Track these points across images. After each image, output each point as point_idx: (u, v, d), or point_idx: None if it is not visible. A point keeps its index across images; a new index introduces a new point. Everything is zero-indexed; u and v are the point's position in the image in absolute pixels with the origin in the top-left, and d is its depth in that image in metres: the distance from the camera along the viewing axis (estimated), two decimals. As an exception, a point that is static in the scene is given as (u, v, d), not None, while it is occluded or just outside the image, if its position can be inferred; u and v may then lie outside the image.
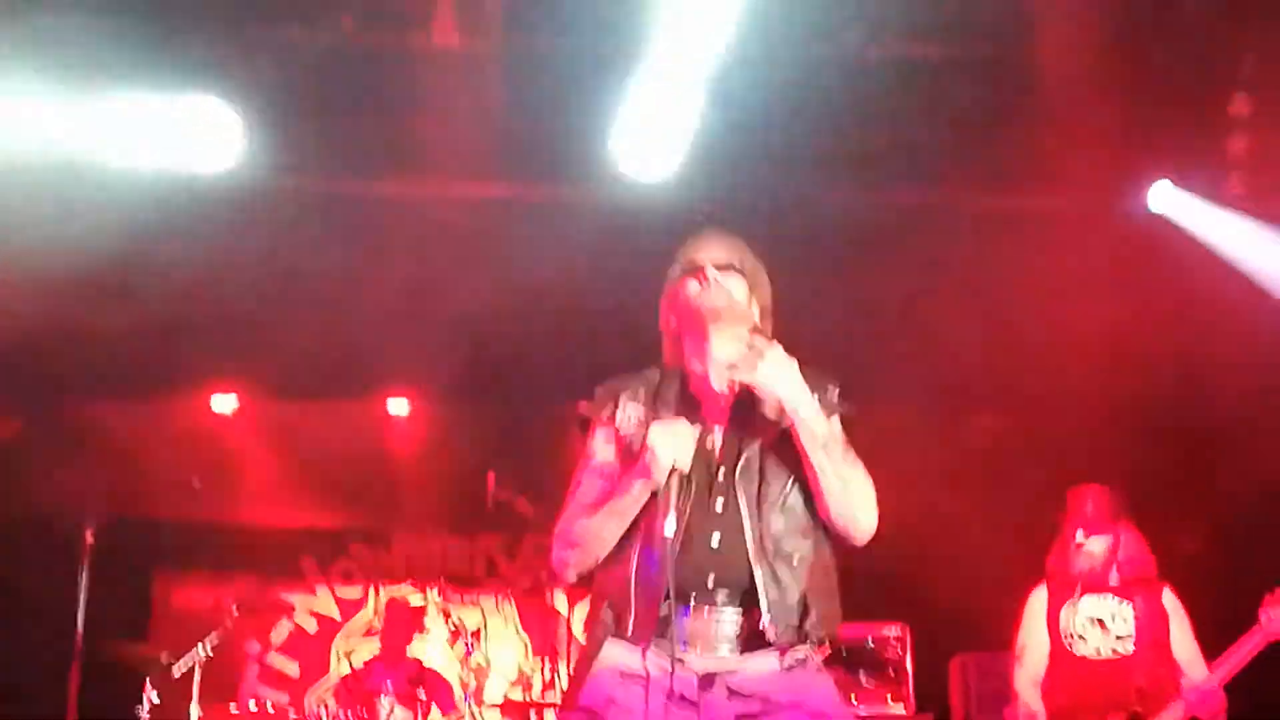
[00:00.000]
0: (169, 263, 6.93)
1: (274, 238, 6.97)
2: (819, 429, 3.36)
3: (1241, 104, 6.68)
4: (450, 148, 6.68)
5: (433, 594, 7.76)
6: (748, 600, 3.33)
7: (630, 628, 3.31)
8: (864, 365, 7.79)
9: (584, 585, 3.56)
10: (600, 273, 6.81)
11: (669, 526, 3.27)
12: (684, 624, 3.30)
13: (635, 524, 3.37)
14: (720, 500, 3.38)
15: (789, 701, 3.30)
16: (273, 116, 6.48)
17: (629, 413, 3.50)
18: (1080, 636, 5.55)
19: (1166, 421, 7.81)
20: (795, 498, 3.41)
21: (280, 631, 9.54)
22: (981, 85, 6.47)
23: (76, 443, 8.30)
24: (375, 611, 9.55)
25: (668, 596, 3.27)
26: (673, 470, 3.31)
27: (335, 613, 9.66)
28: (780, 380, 3.32)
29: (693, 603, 3.32)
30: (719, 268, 3.50)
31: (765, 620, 3.29)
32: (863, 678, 7.19)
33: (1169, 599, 5.61)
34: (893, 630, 7.28)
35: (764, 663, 3.33)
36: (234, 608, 7.22)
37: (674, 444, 3.31)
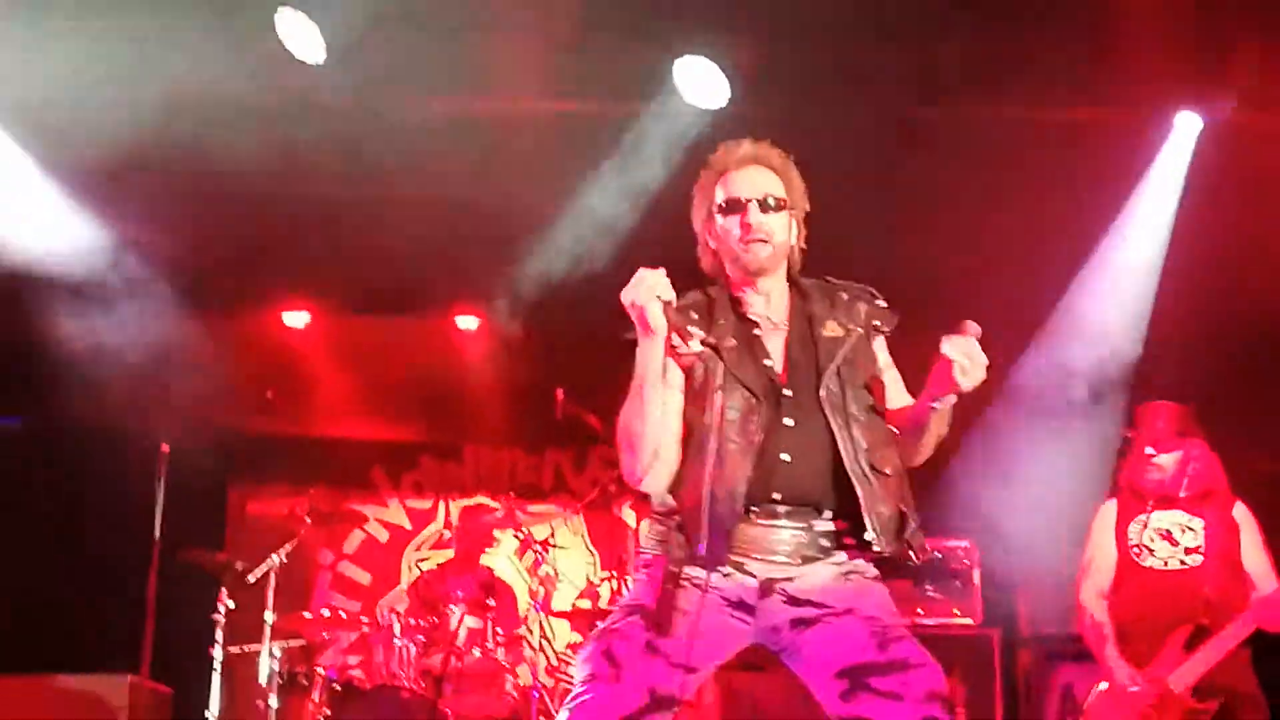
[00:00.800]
0: (243, 178, 6.96)
1: (348, 154, 6.98)
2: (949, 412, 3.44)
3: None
4: (522, 66, 6.66)
5: (501, 505, 7.81)
6: (813, 514, 3.42)
7: (702, 548, 3.33)
8: (927, 282, 7.81)
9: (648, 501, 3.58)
10: (669, 194, 6.78)
11: (734, 455, 3.35)
12: (746, 532, 3.38)
13: (703, 453, 3.36)
14: (790, 418, 3.42)
15: (844, 608, 3.39)
16: (349, 30, 6.47)
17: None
18: (1149, 549, 5.56)
19: (1240, 339, 7.71)
20: (874, 413, 3.49)
21: (352, 541, 9.68)
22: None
23: (154, 356, 8.41)
24: (446, 523, 9.67)
25: (740, 511, 3.36)
26: (737, 391, 3.40)
27: (406, 523, 9.78)
28: (977, 378, 3.32)
29: (755, 514, 3.39)
30: (762, 207, 3.50)
31: (871, 534, 3.38)
32: (929, 589, 7.22)
33: (1240, 512, 5.61)
34: (960, 544, 7.29)
35: (823, 571, 3.43)
36: (306, 517, 7.31)
37: (644, 288, 3.36)
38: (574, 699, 3.35)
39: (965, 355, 3.26)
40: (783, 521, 3.41)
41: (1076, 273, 7.73)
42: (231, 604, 7.04)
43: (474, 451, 9.91)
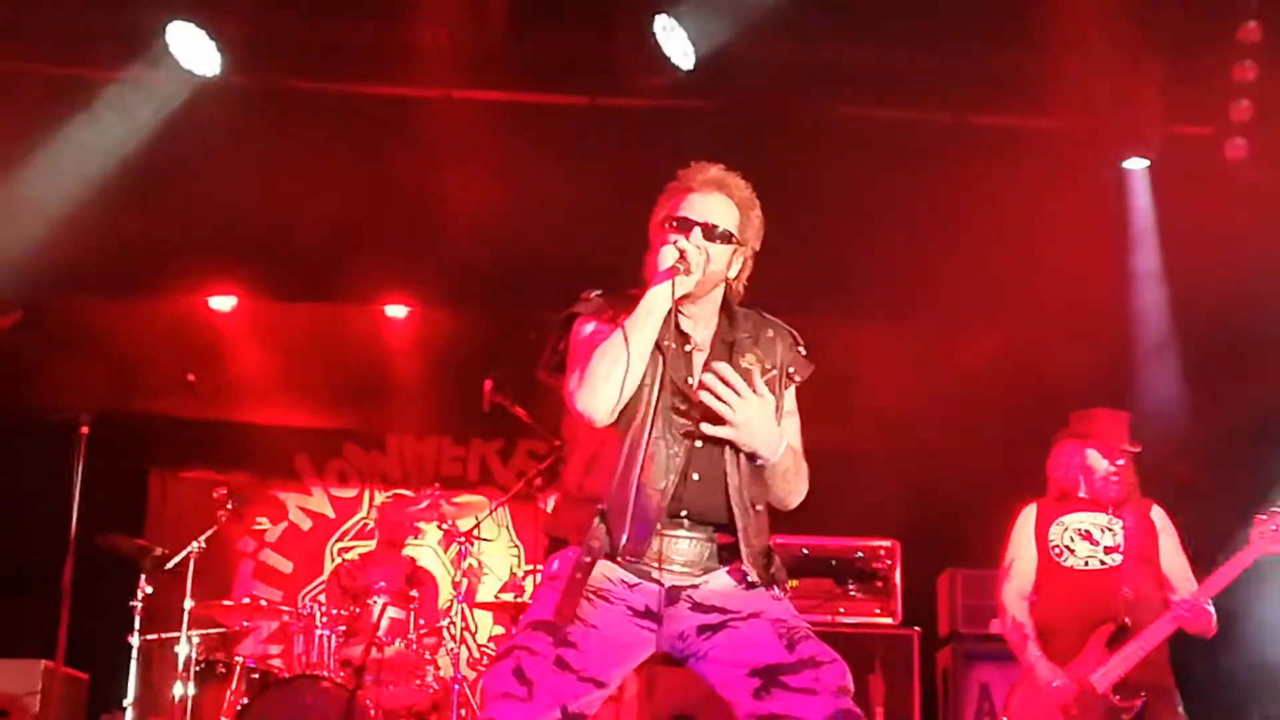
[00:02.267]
0: (171, 162, 6.91)
1: (275, 140, 6.94)
2: (782, 463, 3.58)
3: (1251, 32, 6.66)
4: (449, 51, 6.66)
5: (427, 495, 7.78)
6: (713, 531, 3.56)
7: (623, 544, 3.42)
8: (860, 283, 7.89)
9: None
10: (603, 181, 6.79)
11: (660, 459, 3.47)
12: (653, 543, 3.49)
13: (635, 443, 3.44)
14: (700, 440, 3.52)
15: (748, 612, 3.52)
16: (263, 18, 6.48)
17: (615, 324, 3.53)
18: (1069, 549, 5.63)
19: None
20: None
21: (274, 530, 9.61)
22: (993, 5, 6.45)
23: (75, 338, 8.31)
24: (369, 512, 9.62)
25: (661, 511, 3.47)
26: (671, 392, 3.50)
27: (330, 511, 9.73)
28: (758, 433, 3.48)
29: (663, 527, 3.50)
30: (708, 234, 3.56)
31: (746, 564, 3.53)
32: (851, 589, 7.27)
33: (1157, 514, 5.70)
34: (882, 544, 7.35)
35: (725, 580, 3.57)
36: (228, 503, 7.25)
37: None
38: (486, 718, 3.37)
39: (718, 402, 3.43)
40: (685, 533, 3.54)
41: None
42: (150, 590, 6.97)
43: (399, 441, 9.87)
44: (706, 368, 3.55)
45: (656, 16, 6.55)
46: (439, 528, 7.86)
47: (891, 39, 6.66)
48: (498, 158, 7.07)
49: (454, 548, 7.71)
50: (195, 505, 7.40)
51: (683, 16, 6.51)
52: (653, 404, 3.48)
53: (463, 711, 6.95)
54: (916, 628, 7.29)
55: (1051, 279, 7.58)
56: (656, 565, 3.50)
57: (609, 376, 3.42)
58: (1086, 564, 5.60)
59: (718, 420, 3.47)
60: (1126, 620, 5.42)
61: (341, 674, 6.85)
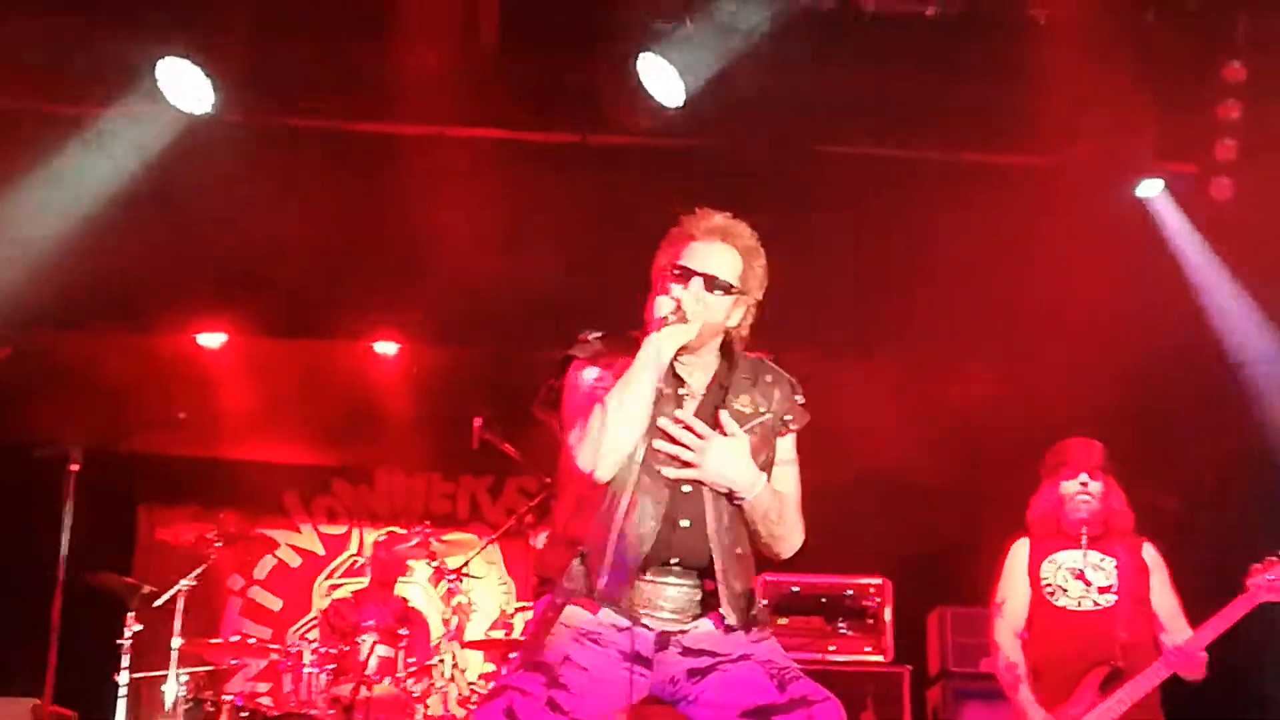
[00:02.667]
0: (160, 199, 6.93)
1: (263, 177, 6.97)
2: (761, 504, 3.59)
3: (1236, 71, 6.72)
4: (440, 88, 6.69)
5: (416, 534, 7.78)
6: (698, 576, 3.58)
7: (601, 586, 3.47)
8: (848, 320, 7.92)
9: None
10: (595, 218, 6.83)
11: (646, 505, 3.50)
12: (643, 589, 3.53)
13: (619, 490, 3.49)
14: (687, 485, 3.55)
15: (738, 654, 3.55)
16: (254, 58, 6.51)
17: (613, 369, 3.57)
18: (1061, 588, 5.55)
19: (1151, 384, 7.85)
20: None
21: (263, 566, 9.59)
22: (982, 43, 6.50)
23: (64, 375, 8.30)
24: (359, 549, 9.60)
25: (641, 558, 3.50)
26: (660, 437, 3.51)
27: (319, 549, 9.70)
28: (727, 471, 3.53)
29: (651, 573, 3.54)
30: (708, 285, 3.57)
31: (724, 607, 3.55)
32: (842, 627, 7.26)
33: (1149, 553, 5.61)
34: (873, 581, 7.35)
35: (710, 626, 3.59)
36: (216, 542, 7.24)
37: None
38: None
39: (676, 447, 3.49)
40: (674, 580, 3.57)
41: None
42: (138, 628, 6.95)
43: (388, 478, 9.86)
44: (699, 411, 3.59)
45: (642, 54, 6.58)
46: (429, 565, 7.85)
47: (882, 76, 6.70)
48: (489, 195, 7.09)
49: (443, 585, 7.70)
50: (184, 543, 7.36)
51: (671, 54, 6.55)
52: (640, 451, 3.50)
53: (452, 750, 6.94)
54: (907, 666, 7.27)
55: (1042, 316, 7.61)
56: (644, 611, 3.53)
57: (611, 436, 3.43)
58: (1080, 604, 5.52)
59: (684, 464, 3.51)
60: (1120, 664, 5.34)
61: (330, 712, 6.83)
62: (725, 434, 3.53)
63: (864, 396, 8.34)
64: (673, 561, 3.54)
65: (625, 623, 3.52)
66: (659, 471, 3.53)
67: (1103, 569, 5.55)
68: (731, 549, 3.58)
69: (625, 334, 3.64)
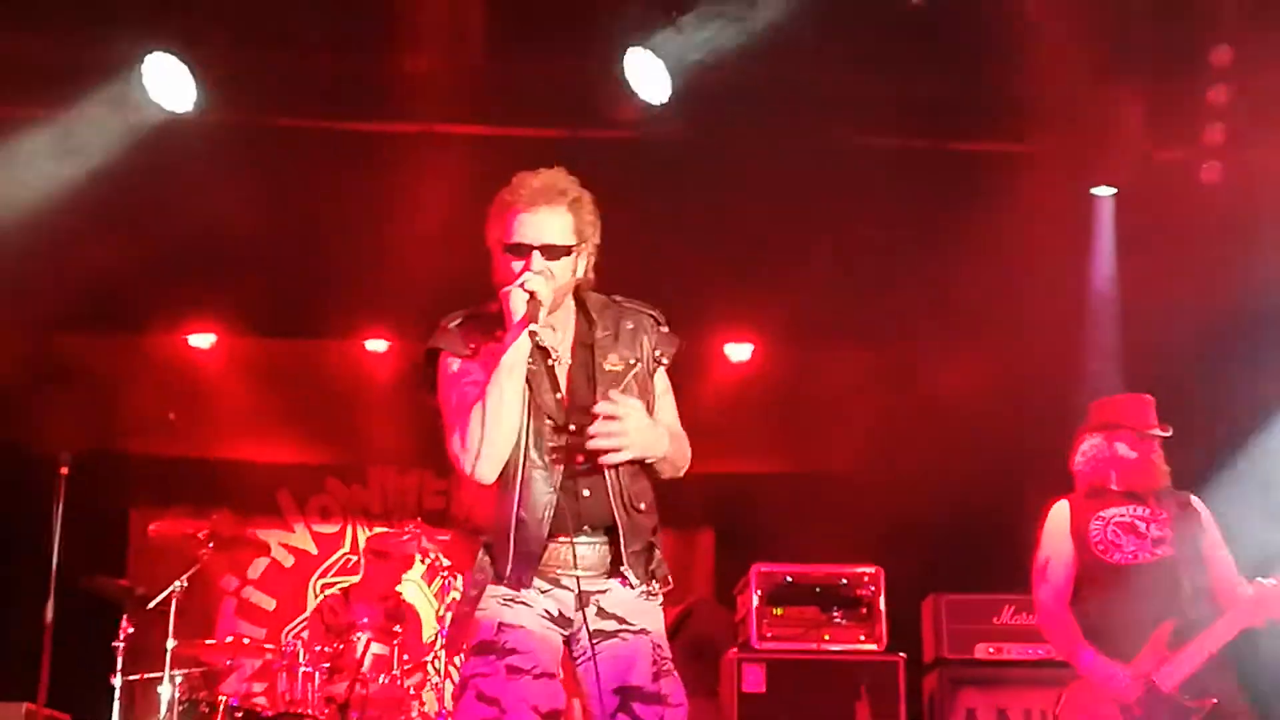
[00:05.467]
0: (148, 198, 6.92)
1: (253, 175, 6.95)
2: (670, 453, 3.69)
3: (1223, 54, 6.72)
4: (429, 85, 6.68)
5: (409, 530, 7.77)
6: (606, 534, 3.66)
7: (509, 569, 3.58)
8: (839, 309, 7.92)
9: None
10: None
11: (538, 484, 3.58)
12: (558, 550, 3.61)
13: (510, 477, 3.56)
14: (581, 456, 3.59)
15: (640, 627, 3.67)
16: (241, 54, 6.50)
17: (480, 350, 3.65)
18: (1114, 543, 5.33)
19: (1140, 369, 7.84)
20: None
21: (256, 567, 9.57)
22: (968, 30, 6.50)
23: (53, 377, 8.28)
24: (353, 547, 9.59)
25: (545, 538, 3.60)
26: (540, 417, 3.60)
27: (313, 548, 9.69)
28: (648, 442, 3.60)
29: (561, 539, 3.61)
30: (547, 253, 3.59)
31: (625, 566, 3.66)
32: (836, 616, 7.26)
33: (1198, 504, 5.44)
34: (866, 570, 7.35)
35: (625, 589, 3.69)
36: (209, 542, 7.22)
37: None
38: None
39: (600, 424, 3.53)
40: (586, 538, 3.64)
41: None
42: (132, 630, 6.93)
43: (380, 475, 9.84)
44: (570, 376, 3.66)
45: (630, 49, 6.58)
46: (422, 562, 7.84)
47: (868, 66, 6.69)
48: (476, 191, 7.08)
49: (437, 581, 7.69)
50: (177, 544, 7.35)
51: (659, 48, 6.55)
52: (524, 433, 3.57)
53: (448, 746, 6.93)
54: (901, 654, 7.27)
55: (1032, 303, 7.61)
56: (563, 571, 3.62)
57: (489, 441, 3.51)
58: (1136, 558, 5.30)
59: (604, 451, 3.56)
60: (1192, 615, 5.16)
61: (326, 711, 6.82)
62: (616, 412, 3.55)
63: (855, 384, 8.36)
64: (580, 526, 3.62)
65: (546, 585, 3.63)
66: (544, 451, 3.59)
67: (1155, 522, 5.35)
68: (633, 508, 3.66)
69: (480, 310, 3.71)
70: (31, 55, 6.63)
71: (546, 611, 3.62)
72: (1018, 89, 6.75)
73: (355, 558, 9.37)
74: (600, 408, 3.54)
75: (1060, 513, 5.48)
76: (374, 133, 7.16)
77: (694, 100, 6.71)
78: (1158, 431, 5.44)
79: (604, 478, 3.60)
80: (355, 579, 8.64)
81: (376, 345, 8.94)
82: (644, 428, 3.58)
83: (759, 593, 7.24)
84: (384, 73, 6.80)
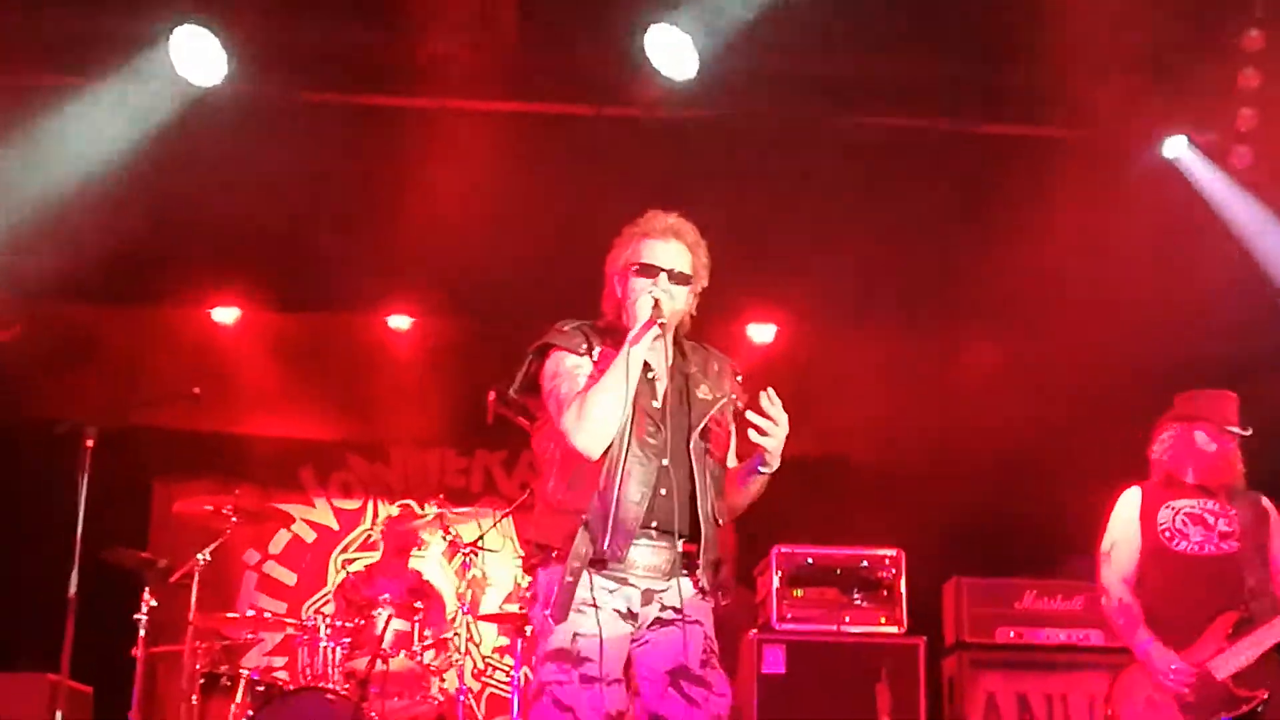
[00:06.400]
0: (176, 173, 6.92)
1: (279, 150, 6.95)
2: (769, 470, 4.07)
3: (1254, 40, 6.66)
4: (455, 61, 6.66)
5: (431, 508, 7.78)
6: (673, 539, 4.03)
7: (608, 542, 3.92)
8: (862, 293, 7.89)
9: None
10: (609, 191, 6.79)
11: (636, 475, 3.96)
12: (631, 552, 3.98)
13: (614, 463, 3.93)
14: (665, 459, 4.01)
15: (694, 619, 4.06)
16: (270, 28, 6.48)
17: (594, 353, 4.08)
18: (1181, 533, 5.45)
19: (1159, 361, 7.80)
20: (719, 471, 4.15)
21: (278, 541, 9.61)
22: (997, 14, 6.46)
23: (79, 351, 8.31)
24: (374, 524, 9.61)
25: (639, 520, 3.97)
26: (643, 417, 4.00)
27: (334, 523, 9.72)
28: (780, 451, 4.00)
29: (638, 537, 3.98)
30: (672, 278, 4.07)
31: (700, 573, 4.06)
32: (856, 598, 7.26)
33: (1267, 504, 5.54)
34: (887, 553, 7.34)
35: (686, 585, 4.08)
36: (233, 516, 7.24)
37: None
38: None
39: (767, 422, 3.90)
40: (650, 543, 4.01)
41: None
42: (154, 603, 6.96)
43: (402, 452, 9.87)
44: (667, 395, 4.09)
45: (653, 26, 6.55)
46: (443, 539, 7.85)
47: (892, 50, 6.66)
48: (503, 168, 7.08)
49: (458, 559, 7.70)
50: (199, 518, 7.37)
51: (685, 25, 6.52)
52: (628, 429, 3.94)
53: (467, 723, 6.95)
54: (922, 637, 7.27)
55: (1057, 288, 7.57)
56: (631, 572, 3.99)
57: (605, 419, 3.90)
58: (1203, 549, 5.42)
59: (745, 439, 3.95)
60: (1252, 611, 5.28)
61: (346, 686, 6.84)
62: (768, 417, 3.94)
63: (879, 367, 8.34)
64: (652, 525, 4.00)
65: (614, 585, 3.98)
66: (644, 447, 3.98)
67: (1224, 516, 5.47)
68: (714, 518, 4.08)
69: (591, 322, 4.15)
70: (61, 27, 6.62)
71: (617, 610, 3.98)
72: (1045, 73, 6.70)
73: (375, 534, 9.40)
74: (769, 399, 3.90)
75: (1131, 498, 5.62)
76: (401, 108, 7.13)
77: (719, 79, 6.68)
78: (1237, 430, 5.55)
79: (690, 486, 4.02)
80: (376, 555, 8.67)
81: (400, 322, 8.95)
82: (781, 438, 3.97)
83: (779, 574, 7.23)
84: (411, 48, 6.77)
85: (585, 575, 3.94)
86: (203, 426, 9.24)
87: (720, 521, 4.11)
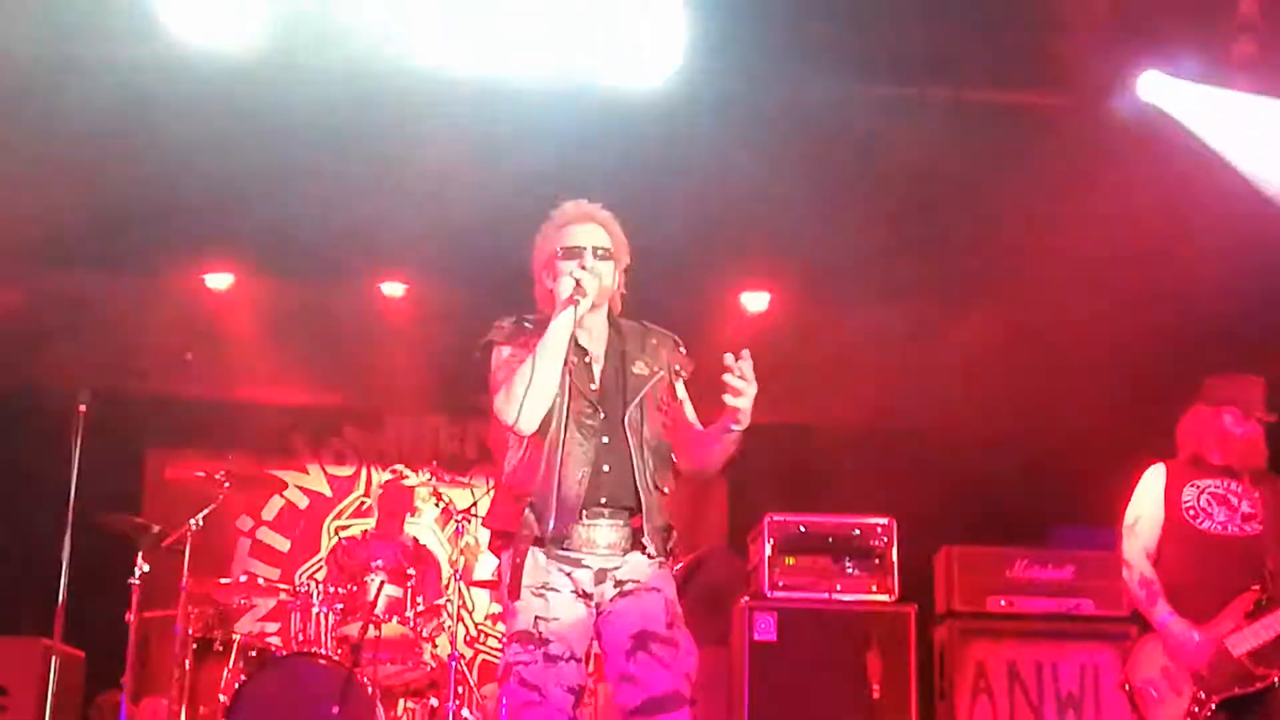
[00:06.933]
0: (167, 138, 6.88)
1: (272, 117, 6.91)
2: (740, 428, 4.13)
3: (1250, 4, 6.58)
4: (455, 33, 6.63)
5: (424, 474, 7.80)
6: (627, 515, 4.21)
7: (552, 523, 4.10)
8: (855, 263, 7.88)
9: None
10: (599, 161, 6.77)
11: (576, 455, 4.14)
12: (580, 532, 4.16)
13: (554, 446, 4.11)
14: (605, 437, 4.20)
15: (653, 586, 4.21)
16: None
17: (530, 344, 4.19)
18: (1205, 511, 5.56)
19: (1163, 319, 7.80)
20: (659, 443, 4.28)
21: (271, 507, 9.62)
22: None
23: (72, 317, 8.29)
24: (367, 490, 9.63)
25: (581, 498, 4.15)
26: (579, 399, 4.18)
27: (327, 490, 9.74)
28: (750, 408, 4.08)
29: (587, 516, 4.17)
30: (596, 255, 4.26)
31: (646, 541, 4.20)
32: (848, 566, 7.28)
33: None
34: (879, 521, 7.36)
35: (640, 559, 4.23)
36: (225, 482, 7.26)
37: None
38: None
39: (737, 380, 4.00)
40: (606, 521, 4.19)
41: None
42: (147, 568, 6.98)
43: (396, 420, 9.88)
44: (603, 375, 4.27)
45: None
46: (436, 505, 7.87)
47: (890, 16, 6.62)
48: (495, 135, 7.05)
49: (451, 525, 7.73)
50: (192, 484, 7.38)
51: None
52: (564, 411, 4.13)
53: (460, 689, 6.97)
54: (913, 605, 7.29)
55: (1050, 259, 7.56)
56: (584, 552, 4.16)
57: (531, 395, 4.06)
58: (1226, 529, 5.54)
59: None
60: (1268, 590, 5.39)
61: (339, 652, 6.87)
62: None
63: (872, 336, 8.34)
64: (603, 501, 4.17)
65: (569, 568, 4.15)
66: (581, 428, 4.16)
67: (1248, 499, 5.58)
68: (656, 488, 4.23)
69: (528, 315, 4.32)
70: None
71: (574, 591, 4.15)
72: (1047, 40, 6.65)
73: (369, 501, 9.41)
74: (741, 364, 3.99)
75: (1156, 474, 5.73)
76: (394, 71, 7.09)
77: (714, 49, 6.65)
78: (1263, 415, 5.65)
79: (629, 461, 4.18)
80: (370, 522, 8.69)
81: (393, 289, 8.94)
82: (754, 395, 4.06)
83: (771, 542, 7.26)
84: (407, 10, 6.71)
85: (540, 557, 4.13)
86: (196, 393, 9.24)
87: (666, 490, 4.26)
